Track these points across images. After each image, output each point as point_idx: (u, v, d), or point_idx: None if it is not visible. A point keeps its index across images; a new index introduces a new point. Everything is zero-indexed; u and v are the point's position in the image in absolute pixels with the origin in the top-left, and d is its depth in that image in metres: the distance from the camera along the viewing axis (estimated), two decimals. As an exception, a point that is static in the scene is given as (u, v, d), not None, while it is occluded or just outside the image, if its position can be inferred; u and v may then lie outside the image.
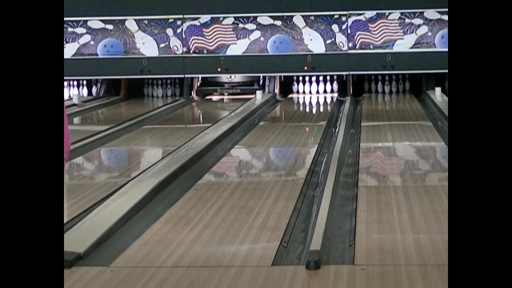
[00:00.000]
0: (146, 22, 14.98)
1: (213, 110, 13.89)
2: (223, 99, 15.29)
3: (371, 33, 14.74)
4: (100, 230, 5.40)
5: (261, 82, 15.40)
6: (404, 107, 13.50)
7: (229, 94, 15.46)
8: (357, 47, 14.75)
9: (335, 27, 14.78)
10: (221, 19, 14.88)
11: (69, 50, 15.00)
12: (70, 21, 14.90)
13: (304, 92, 15.37)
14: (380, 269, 4.62)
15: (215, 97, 15.41)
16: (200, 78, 15.54)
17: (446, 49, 14.13)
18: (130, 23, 15.01)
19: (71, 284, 4.44)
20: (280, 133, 10.52)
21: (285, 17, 14.82)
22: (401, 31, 14.69)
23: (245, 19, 14.87)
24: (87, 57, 15.08)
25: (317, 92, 15.36)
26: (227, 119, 11.70)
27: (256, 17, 14.86)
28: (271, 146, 9.61)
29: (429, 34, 14.64)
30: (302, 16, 14.80)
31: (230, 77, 15.50)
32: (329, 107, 14.03)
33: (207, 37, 14.91)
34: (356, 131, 10.43)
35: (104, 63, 15.04)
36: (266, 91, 15.14)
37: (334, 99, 14.70)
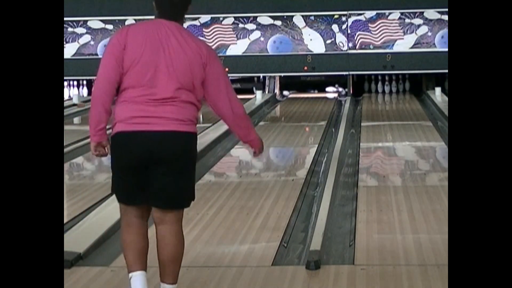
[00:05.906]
0: (146, 22, 14.97)
1: (213, 110, 13.86)
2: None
3: (371, 33, 14.74)
4: (100, 230, 5.40)
5: (261, 79, 15.34)
6: (404, 107, 13.50)
7: None
8: (357, 47, 14.75)
9: (335, 27, 14.78)
10: (221, 19, 14.87)
11: (69, 50, 15.00)
12: (70, 21, 14.89)
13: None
14: (380, 269, 4.62)
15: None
16: None
17: (446, 49, 14.12)
18: (130, 23, 15.01)
19: (71, 284, 4.44)
20: (280, 133, 10.51)
21: (285, 17, 14.82)
22: (401, 31, 14.68)
23: (245, 19, 14.86)
24: (87, 57, 15.07)
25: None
26: (227, 119, 11.68)
27: (256, 17, 14.86)
28: (271, 146, 9.60)
29: (429, 34, 14.63)
30: (302, 16, 14.80)
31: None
32: (329, 107, 14.03)
33: (207, 37, 14.90)
34: (356, 131, 10.43)
35: (104, 63, 15.01)
36: (266, 91, 15.14)
37: (334, 99, 14.70)
